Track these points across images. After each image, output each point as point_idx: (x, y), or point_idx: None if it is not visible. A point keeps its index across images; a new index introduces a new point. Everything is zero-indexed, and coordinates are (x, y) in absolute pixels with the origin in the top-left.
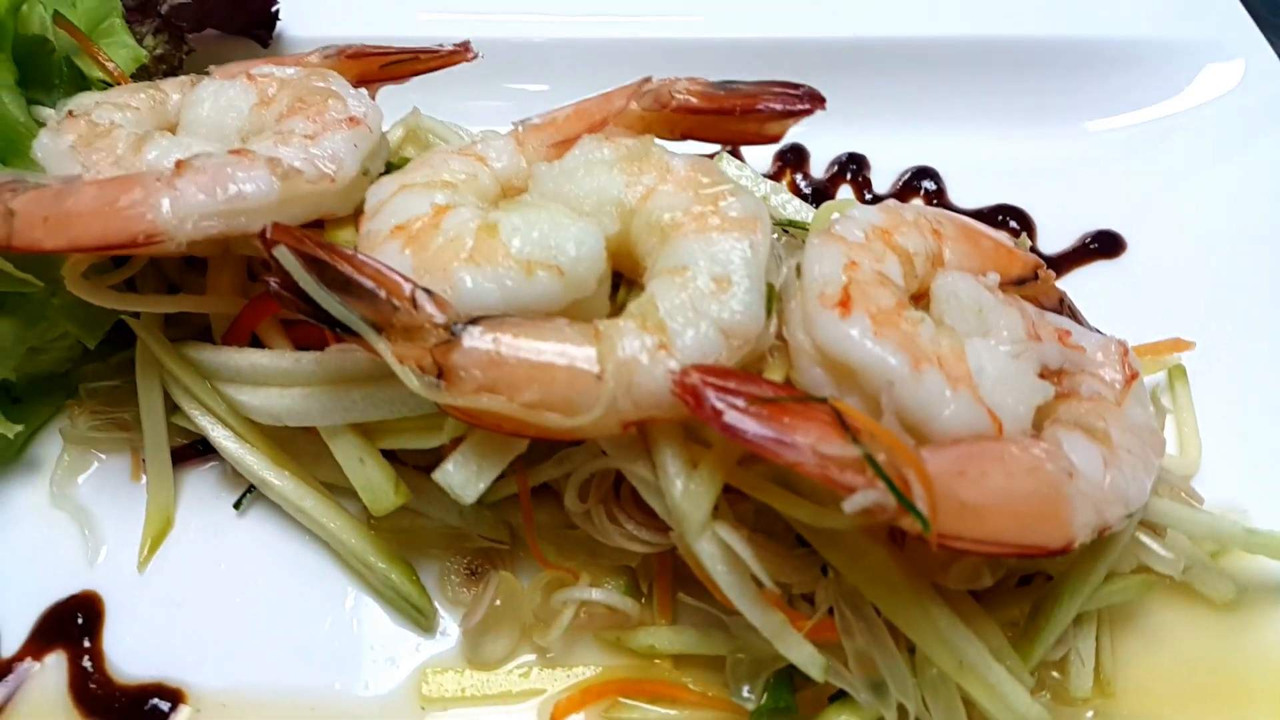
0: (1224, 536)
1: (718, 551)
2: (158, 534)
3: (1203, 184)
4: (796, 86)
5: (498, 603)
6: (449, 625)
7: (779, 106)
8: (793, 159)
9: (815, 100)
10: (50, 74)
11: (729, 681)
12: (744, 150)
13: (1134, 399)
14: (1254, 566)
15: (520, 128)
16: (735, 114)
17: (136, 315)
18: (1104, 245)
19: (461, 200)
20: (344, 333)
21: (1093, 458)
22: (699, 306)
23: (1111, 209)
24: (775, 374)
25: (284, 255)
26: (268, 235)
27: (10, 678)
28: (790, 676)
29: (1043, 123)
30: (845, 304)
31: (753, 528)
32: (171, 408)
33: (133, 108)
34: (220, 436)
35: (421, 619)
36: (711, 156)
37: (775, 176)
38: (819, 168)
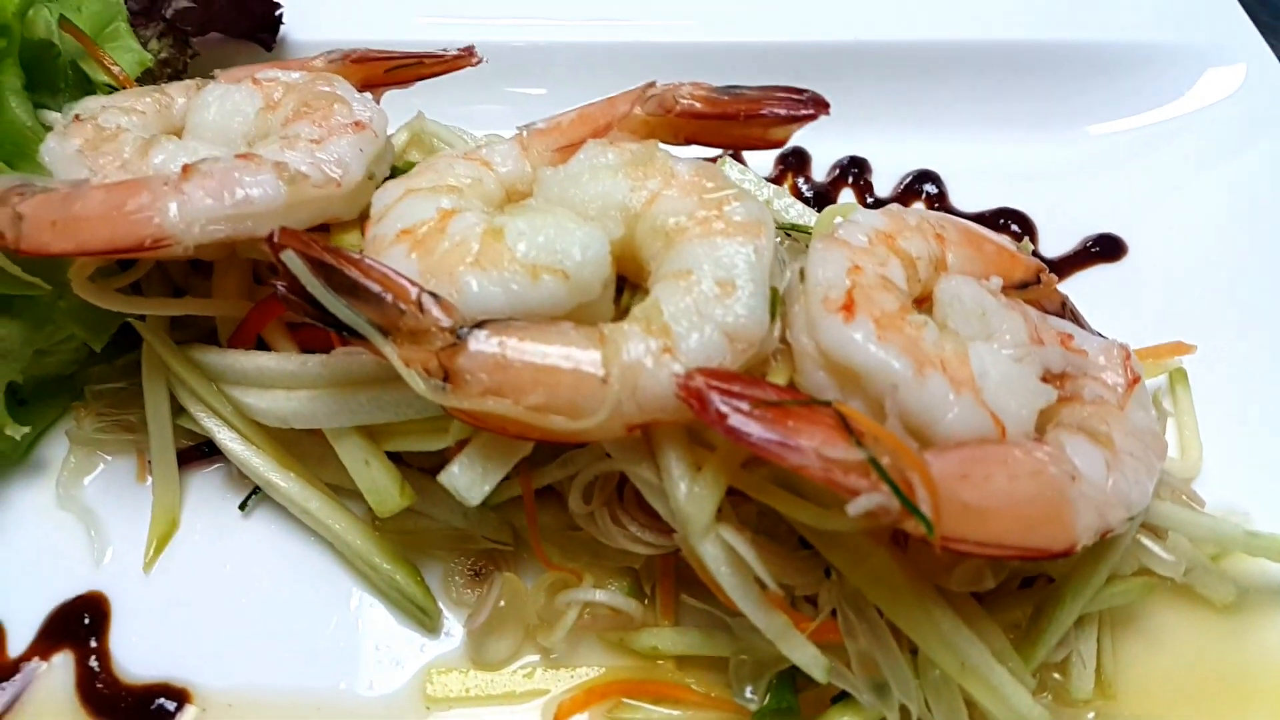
0: (1225, 539)
1: (721, 553)
2: (163, 535)
3: (1204, 187)
4: (800, 91)
5: (502, 604)
6: (453, 626)
7: (783, 111)
8: (794, 162)
9: (819, 105)
10: (56, 78)
11: (732, 682)
12: (746, 153)
13: (1136, 402)
14: (1255, 569)
15: (525, 132)
16: (739, 119)
17: (142, 318)
18: (1105, 249)
19: (467, 205)
20: (350, 336)
21: (1095, 461)
22: (703, 310)
23: (1113, 212)
24: (779, 377)
25: (291, 259)
26: (275, 239)
27: (18, 677)
28: (793, 678)
29: (1044, 126)
30: (849, 308)
31: (756, 530)
32: (177, 410)
33: (139, 112)
34: (226, 438)
35: (426, 620)
36: (714, 160)
37: (777, 180)
38: (820, 171)
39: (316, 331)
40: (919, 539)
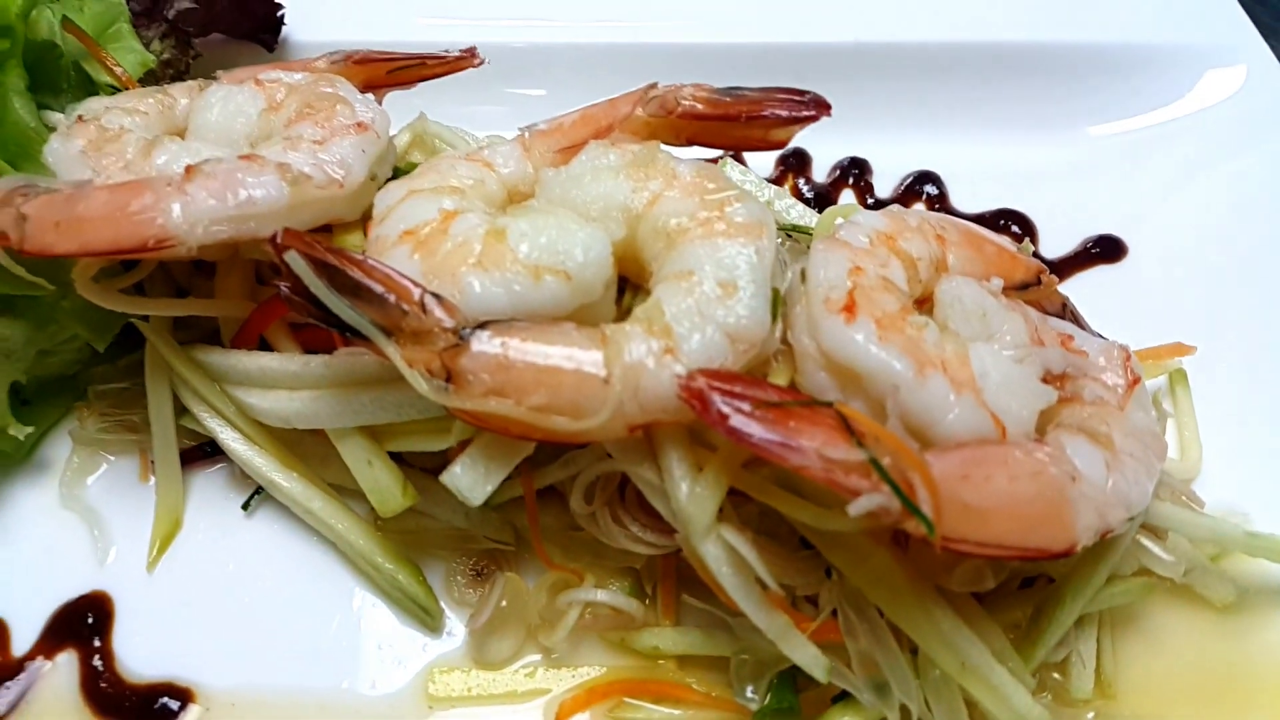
0: (1224, 539)
1: (722, 553)
2: (166, 535)
3: (1204, 189)
4: (801, 93)
5: (504, 603)
6: (455, 625)
7: (784, 113)
8: (795, 164)
9: (820, 106)
10: (59, 79)
11: (733, 682)
12: (747, 155)
13: (1136, 403)
14: (1254, 569)
15: (526, 133)
16: (741, 120)
17: (145, 318)
18: (1105, 250)
19: (469, 206)
20: (353, 337)
21: (1095, 461)
22: (705, 311)
23: (1113, 213)
24: (780, 378)
25: (295, 260)
26: (279, 240)
27: (23, 676)
28: (794, 677)
29: (1044, 127)
30: (850, 309)
31: (757, 530)
32: (180, 410)
33: (141, 112)
34: (229, 438)
35: (428, 619)
36: (715, 161)
37: (778, 181)
38: (821, 172)
39: (319, 332)
40: (919, 539)
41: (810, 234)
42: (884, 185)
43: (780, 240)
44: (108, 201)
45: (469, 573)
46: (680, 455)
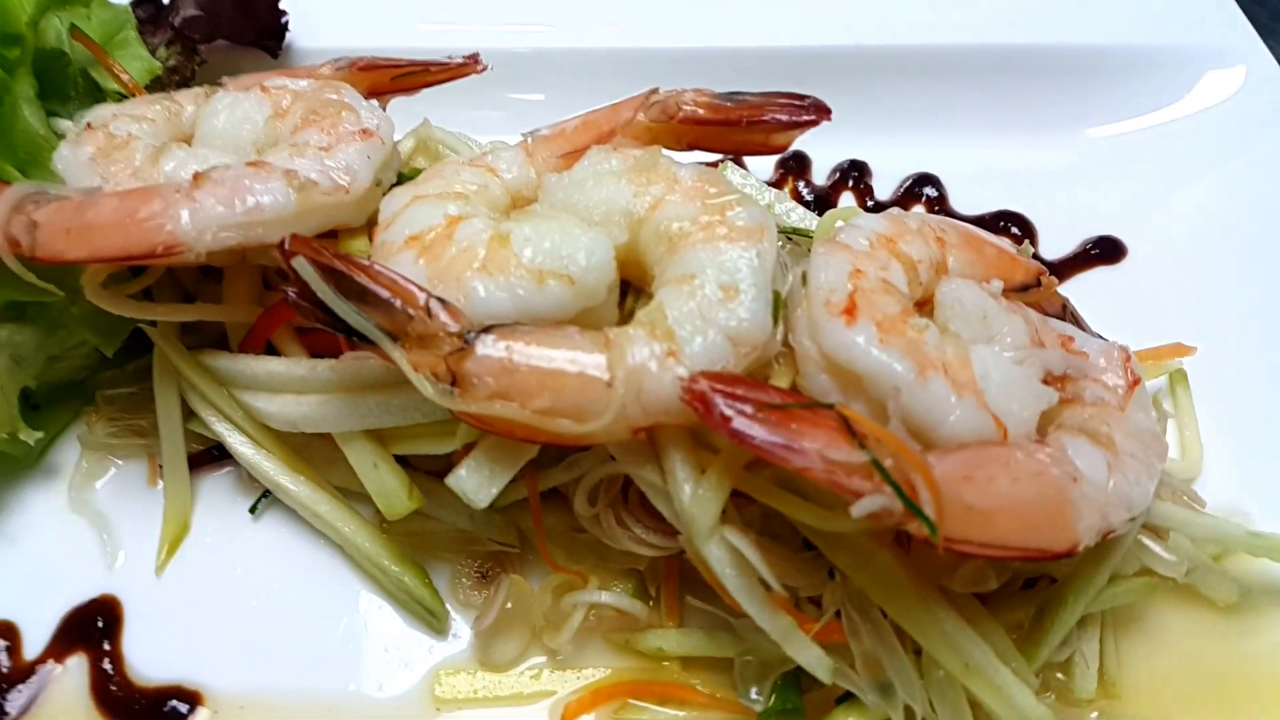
0: (1226, 539)
1: (726, 555)
2: (175, 538)
3: (1203, 190)
4: (802, 97)
5: (508, 605)
6: (461, 628)
7: (785, 117)
8: (795, 166)
9: (821, 111)
10: (67, 86)
11: (737, 683)
12: (747, 158)
13: (1136, 404)
14: (1256, 568)
15: (529, 139)
16: (741, 125)
17: (154, 323)
18: (1105, 251)
19: (473, 211)
20: (359, 341)
21: (1097, 462)
22: (707, 314)
23: (1112, 215)
24: (781, 380)
25: (302, 266)
26: (286, 247)
27: (34, 679)
28: (798, 678)
29: (1044, 129)
30: (851, 311)
31: (760, 531)
32: (188, 414)
33: (149, 119)
34: (236, 442)
35: (434, 621)
36: (715, 165)
37: (778, 184)
38: (821, 175)
39: (325, 336)
40: (922, 540)
41: (810, 237)
42: (883, 187)
43: (781, 243)
44: (117, 208)
45: (474, 575)
46: (683, 457)
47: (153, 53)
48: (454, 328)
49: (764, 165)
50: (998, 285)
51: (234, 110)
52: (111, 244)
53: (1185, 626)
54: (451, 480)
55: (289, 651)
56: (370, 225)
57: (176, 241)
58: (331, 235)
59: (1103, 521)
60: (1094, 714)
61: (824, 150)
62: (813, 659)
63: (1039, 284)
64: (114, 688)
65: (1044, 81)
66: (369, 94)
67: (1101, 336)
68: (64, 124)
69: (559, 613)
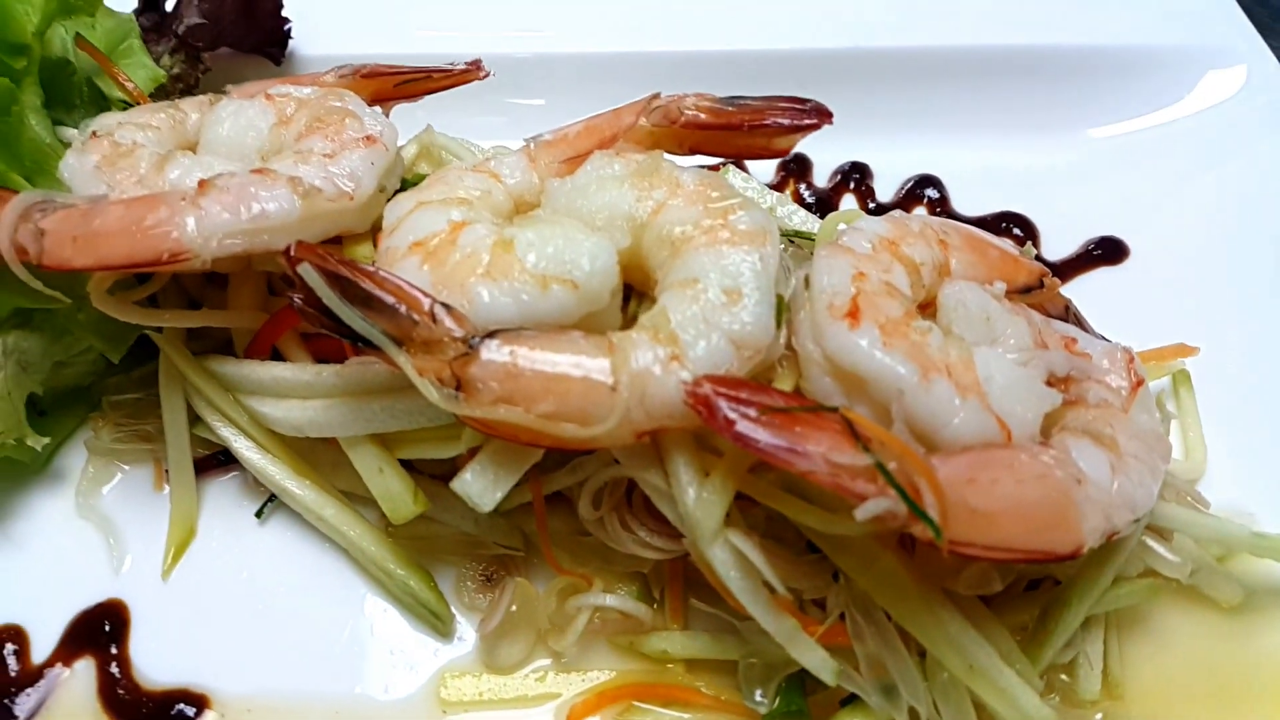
0: (1230, 540)
1: (730, 558)
2: (181, 543)
3: (1205, 189)
4: (803, 101)
5: (513, 608)
6: (466, 630)
7: (787, 121)
8: (796, 169)
9: (822, 115)
10: (72, 95)
11: (741, 685)
12: (748, 161)
13: (1140, 405)
14: (1260, 569)
15: (532, 144)
16: (743, 129)
17: (159, 330)
18: (1107, 251)
19: (477, 216)
20: (365, 346)
21: (1100, 464)
22: (710, 318)
23: (1114, 215)
24: (785, 384)
25: (308, 272)
26: (292, 253)
27: (42, 683)
28: (802, 680)
29: (1045, 130)
30: (854, 314)
31: (764, 534)
32: (194, 419)
33: (154, 127)
34: (242, 447)
35: (439, 624)
36: (716, 168)
37: (779, 187)
38: (822, 177)
39: (330, 342)
40: (926, 543)
41: (813, 240)
42: (885, 189)
43: (783, 247)
44: (123, 216)
45: (479, 578)
46: (687, 461)
47: (157, 61)
48: (459, 333)
49: (765, 168)
50: (1001, 287)
51: (238, 118)
52: (118, 251)
53: (1189, 628)
54: (456, 484)
55: (295, 655)
56: (374, 231)
57: (182, 248)
58: (336, 241)
59: (1107, 523)
60: (1098, 715)
61: (825, 152)
62: (817, 661)
63: (1041, 285)
64: (121, 691)
65: (1045, 82)
66: (372, 101)
67: (1104, 338)
68: (69, 132)
69: (564, 615)
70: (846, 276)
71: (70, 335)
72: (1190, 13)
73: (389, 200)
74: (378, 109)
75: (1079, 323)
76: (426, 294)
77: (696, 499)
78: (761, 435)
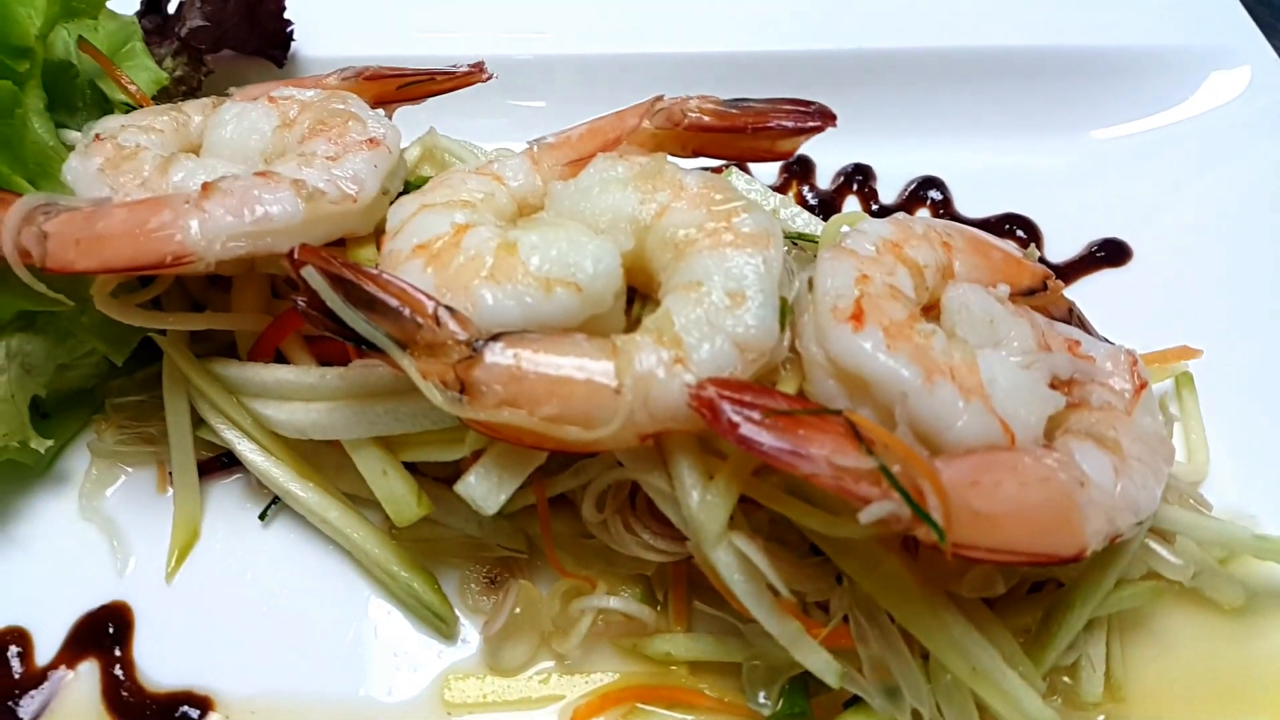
0: (1233, 542)
1: (734, 560)
2: (185, 545)
3: (1208, 191)
4: (807, 103)
5: (517, 610)
6: (470, 633)
7: (790, 124)
8: (799, 171)
9: (826, 117)
10: (74, 97)
11: (745, 687)
12: (751, 163)
13: (1143, 408)
14: (1262, 571)
15: (535, 147)
16: (747, 131)
17: (163, 332)
18: (1110, 253)
19: (480, 219)
20: (369, 349)
21: (1104, 467)
22: (714, 321)
23: (1117, 217)
24: (788, 386)
25: (312, 275)
26: (295, 256)
27: (46, 685)
28: (805, 683)
29: (1048, 131)
30: (858, 317)
31: (768, 537)
32: (197, 422)
33: (157, 130)
34: (246, 449)
35: (443, 626)
36: (718, 171)
37: (782, 188)
38: (825, 179)
39: (333, 344)
40: (930, 545)
41: (816, 241)
42: (888, 191)
43: (786, 249)
44: (127, 219)
45: (483, 580)
46: (691, 463)
47: (159, 63)
48: (462, 336)
49: (768, 169)
50: (1004, 289)
51: (241, 120)
52: (121, 254)
53: (1191, 630)
54: (460, 487)
55: (299, 657)
56: (378, 234)
57: (186, 251)
58: (339, 244)
59: (1110, 526)
60: (1100, 717)
61: (828, 154)
62: (820, 663)
63: (1045, 288)
64: (125, 693)
65: (1048, 84)
66: (375, 103)
67: (1108, 340)
68: (72, 135)
69: (567, 618)
70: (850, 279)
71: (74, 338)
72: (1194, 14)
73: (392, 203)
74: (380, 111)
75: (1082, 325)
76: (430, 297)
77: (700, 502)
78: (765, 438)
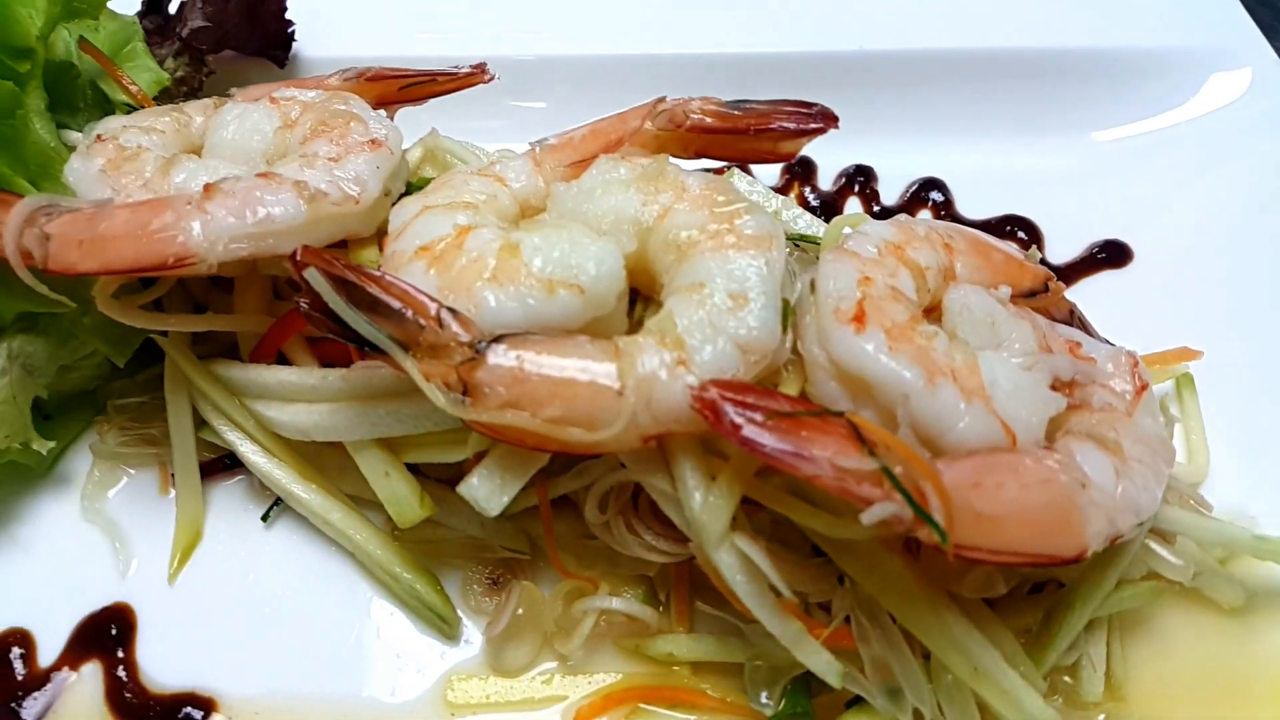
0: (1233, 543)
1: (736, 561)
2: (187, 546)
3: (1209, 192)
4: (809, 105)
5: (520, 611)
6: (473, 634)
7: (792, 125)
8: (801, 172)
9: (828, 119)
10: (76, 98)
11: (747, 688)
12: (753, 165)
13: (1144, 409)
14: (1262, 572)
15: (537, 148)
16: (749, 133)
17: (165, 334)
18: (1111, 255)
19: (483, 221)
20: (371, 351)
21: (1105, 468)
22: (716, 323)
23: (1118, 218)
24: (790, 388)
25: (314, 277)
26: (298, 258)
27: (49, 687)
28: (807, 683)
29: (1049, 133)
30: (860, 319)
31: (770, 538)
32: (199, 423)
33: (158, 131)
34: (248, 451)
35: (446, 627)
36: (720, 172)
37: (783, 190)
38: (827, 180)
39: (335, 345)
40: (931, 546)
41: (818, 243)
42: (889, 192)
43: (789, 251)
44: (129, 220)
45: (485, 581)
46: (693, 465)
47: (160, 64)
48: (465, 337)
49: (770, 171)
50: (1006, 291)
51: (243, 121)
52: (123, 255)
53: (1191, 630)
54: (463, 488)
55: (302, 658)
56: (380, 235)
57: (188, 253)
58: (341, 245)
59: (1111, 527)
60: (1101, 717)
61: (829, 155)
62: (822, 664)
63: (1046, 289)
64: (128, 695)
65: (1049, 85)
66: (377, 104)
67: (1109, 341)
68: (74, 136)
69: (570, 619)
70: (852, 281)
71: (75, 339)
72: (1195, 15)
73: (394, 204)
74: (382, 112)
75: (1083, 326)
76: (432, 298)
77: (702, 503)
78: (767, 439)
